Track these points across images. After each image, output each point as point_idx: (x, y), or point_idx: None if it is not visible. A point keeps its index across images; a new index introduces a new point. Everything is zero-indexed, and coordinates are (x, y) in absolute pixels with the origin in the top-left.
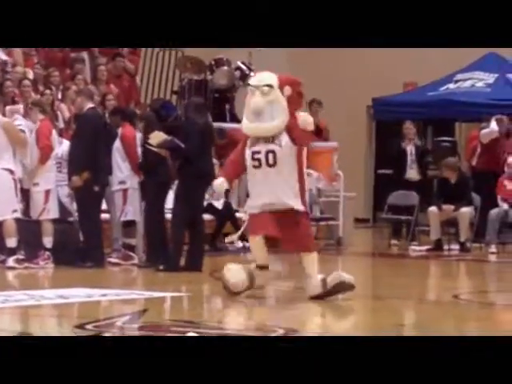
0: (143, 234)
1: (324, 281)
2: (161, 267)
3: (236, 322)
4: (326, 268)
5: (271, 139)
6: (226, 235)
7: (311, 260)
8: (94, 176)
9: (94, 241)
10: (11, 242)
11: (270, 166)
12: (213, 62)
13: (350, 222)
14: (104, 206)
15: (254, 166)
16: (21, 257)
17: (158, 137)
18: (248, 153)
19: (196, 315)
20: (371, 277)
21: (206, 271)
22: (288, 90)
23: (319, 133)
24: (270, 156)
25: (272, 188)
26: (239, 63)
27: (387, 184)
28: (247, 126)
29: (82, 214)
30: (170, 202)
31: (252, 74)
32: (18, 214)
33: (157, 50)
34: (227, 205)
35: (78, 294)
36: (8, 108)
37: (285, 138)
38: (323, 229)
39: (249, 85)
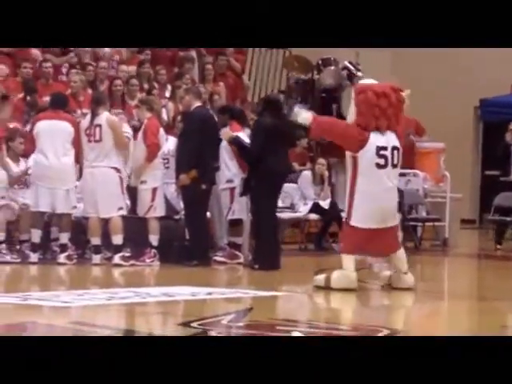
0: (249, 232)
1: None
2: (256, 266)
3: (341, 321)
4: (431, 269)
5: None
6: (331, 235)
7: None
8: (201, 174)
9: (200, 239)
10: (117, 240)
11: (394, 166)
12: (320, 62)
13: (456, 223)
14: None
15: (379, 165)
16: (127, 254)
17: (226, 133)
18: (371, 148)
19: (301, 314)
20: (476, 278)
21: (310, 271)
22: None
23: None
24: (395, 154)
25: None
26: (346, 63)
27: (494, 185)
28: None
29: (188, 212)
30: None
31: (359, 73)
32: (124, 212)
33: (264, 49)
34: (333, 205)
35: (183, 292)
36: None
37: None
38: (429, 229)
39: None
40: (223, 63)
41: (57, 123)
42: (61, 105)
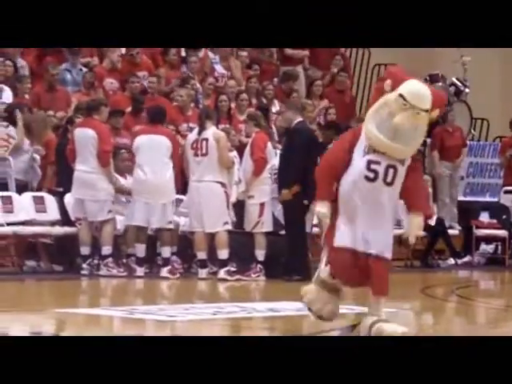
0: None
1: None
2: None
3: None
4: None
5: None
6: (438, 252)
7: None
8: (303, 189)
9: (301, 254)
10: (223, 254)
11: (387, 183)
12: (427, 78)
13: None
14: (315, 220)
15: (367, 178)
16: (232, 269)
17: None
18: (362, 160)
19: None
20: None
21: (417, 287)
22: (436, 113)
23: None
24: (391, 172)
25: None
26: (454, 79)
27: None
28: (382, 141)
29: (289, 227)
30: None
31: (467, 90)
32: (229, 226)
33: (372, 64)
34: (440, 221)
35: (289, 308)
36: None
37: (408, 158)
38: None
39: (402, 97)
40: (343, 79)
41: (155, 137)
42: (159, 119)
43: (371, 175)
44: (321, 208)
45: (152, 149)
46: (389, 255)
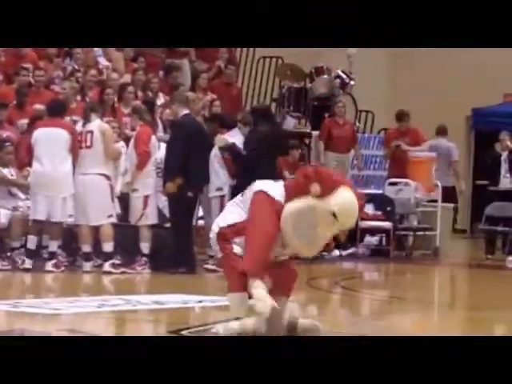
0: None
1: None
2: None
3: (329, 329)
4: (422, 278)
5: None
6: None
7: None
8: (187, 182)
9: (186, 247)
10: (108, 247)
11: None
12: (313, 70)
13: (447, 232)
14: (201, 213)
15: None
16: (117, 262)
17: (221, 140)
18: None
19: None
20: (467, 288)
21: (301, 279)
22: None
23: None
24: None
25: None
26: (339, 72)
27: (485, 195)
28: (297, 245)
29: (174, 219)
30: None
31: (352, 82)
32: (114, 219)
33: (257, 57)
34: None
35: (174, 300)
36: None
37: None
38: (420, 239)
39: (334, 215)
40: (230, 72)
41: (53, 130)
42: (58, 112)
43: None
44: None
45: (50, 142)
46: None
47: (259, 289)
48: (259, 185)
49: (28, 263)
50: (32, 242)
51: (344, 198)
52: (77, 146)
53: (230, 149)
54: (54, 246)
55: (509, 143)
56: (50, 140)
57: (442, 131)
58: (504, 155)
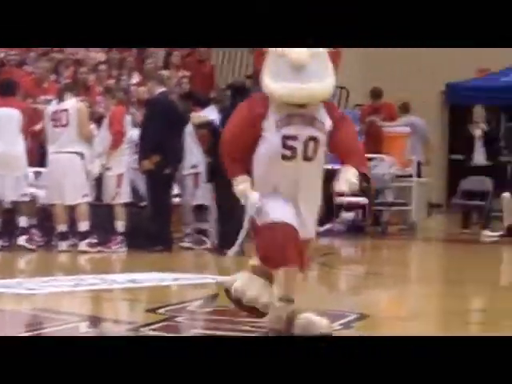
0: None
1: None
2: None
3: (307, 306)
4: (398, 253)
5: (311, 120)
6: None
7: None
8: (164, 159)
9: (164, 224)
10: (83, 226)
11: (307, 159)
12: None
13: (423, 207)
14: (176, 191)
15: (285, 157)
16: (93, 241)
17: (197, 118)
18: (275, 137)
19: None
20: (442, 262)
21: None
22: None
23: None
24: (311, 145)
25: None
26: None
27: (460, 169)
28: (283, 86)
29: (152, 197)
30: None
31: None
32: (89, 198)
33: None
34: None
35: (150, 278)
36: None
37: (327, 121)
38: (396, 214)
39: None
40: (204, 50)
41: (5, 110)
42: (10, 91)
43: (288, 153)
44: (238, 185)
45: (2, 121)
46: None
47: (240, 186)
48: None
49: None
50: None
51: None
52: (30, 125)
53: (207, 126)
54: (23, 221)
55: (483, 125)
56: (1, 120)
57: (404, 109)
58: (477, 133)
